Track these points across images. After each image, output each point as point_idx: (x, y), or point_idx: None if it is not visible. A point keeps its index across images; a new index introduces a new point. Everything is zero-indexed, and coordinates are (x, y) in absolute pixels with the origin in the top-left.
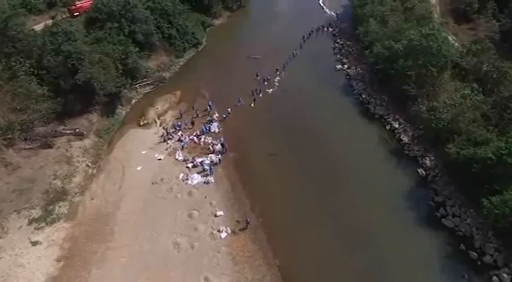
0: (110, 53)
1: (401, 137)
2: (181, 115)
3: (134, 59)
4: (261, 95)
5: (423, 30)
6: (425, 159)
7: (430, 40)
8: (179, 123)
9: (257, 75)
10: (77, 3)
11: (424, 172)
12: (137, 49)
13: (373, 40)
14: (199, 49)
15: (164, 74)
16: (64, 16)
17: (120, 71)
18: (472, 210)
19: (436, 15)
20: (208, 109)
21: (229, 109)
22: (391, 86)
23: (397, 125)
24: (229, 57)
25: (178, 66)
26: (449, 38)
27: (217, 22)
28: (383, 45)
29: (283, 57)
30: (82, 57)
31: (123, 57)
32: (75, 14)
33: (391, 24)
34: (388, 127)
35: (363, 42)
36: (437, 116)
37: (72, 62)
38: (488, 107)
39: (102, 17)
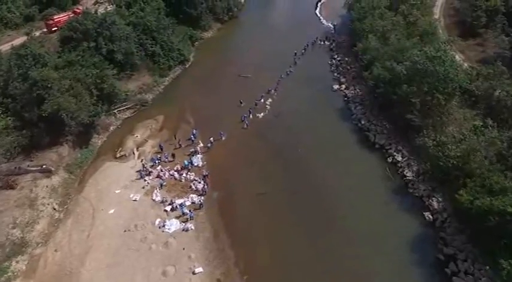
0: (82, 78)
1: (404, 172)
2: (161, 149)
3: (111, 83)
4: (251, 116)
5: (428, 52)
6: (432, 201)
7: (436, 63)
8: (158, 156)
9: (241, 103)
10: (55, 17)
11: (431, 216)
12: (115, 71)
13: (373, 59)
14: (186, 66)
15: (147, 96)
16: (38, 34)
17: (95, 98)
18: (487, 268)
19: (440, 31)
20: (192, 138)
21: (212, 138)
22: (392, 111)
23: (400, 158)
24: (218, 76)
25: (162, 87)
26: (457, 56)
27: (207, 35)
28: (384, 66)
29: (276, 74)
30: (49, 85)
31: (98, 81)
32: (52, 29)
33: (392, 41)
34: (389, 159)
35: (362, 60)
36: (445, 153)
37: (38, 91)
38: (503, 144)
39: (77, 35)
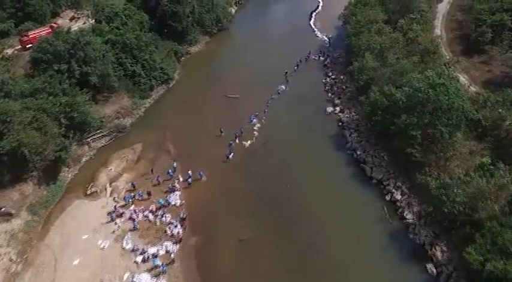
0: (49, 108)
1: (404, 214)
2: (134, 187)
3: (83, 110)
4: (237, 141)
5: (430, 77)
6: (436, 250)
7: (439, 92)
8: (132, 194)
9: (221, 131)
10: (30, 33)
11: (434, 270)
12: (87, 97)
13: (370, 80)
14: (170, 85)
15: (125, 121)
16: (11, 52)
17: (64, 129)
18: None
19: (443, 48)
20: (171, 173)
21: (190, 172)
22: (391, 142)
23: (399, 196)
24: (204, 96)
25: (143, 110)
26: (461, 77)
27: (194, 49)
28: (381, 91)
29: (266, 93)
30: (8, 119)
31: (67, 110)
32: (27, 46)
33: (390, 61)
34: (388, 197)
35: (358, 81)
36: (450, 198)
37: None
38: None
39: (47, 58)
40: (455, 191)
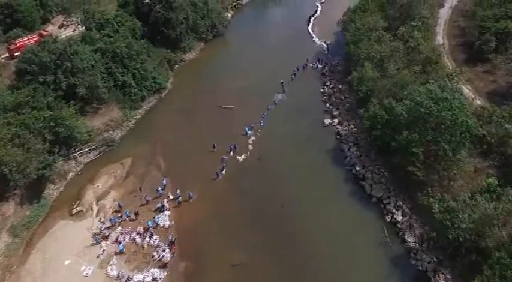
0: (31, 124)
1: (405, 237)
2: (120, 208)
3: (68, 125)
4: (232, 153)
5: (433, 91)
6: (439, 278)
7: (442, 107)
8: (119, 215)
9: (214, 147)
10: (18, 41)
11: None
12: (73, 111)
13: (369, 91)
14: (163, 95)
15: (114, 134)
16: None
17: (48, 145)
18: None
19: (445, 57)
20: (160, 190)
21: (178, 190)
22: (391, 158)
23: (400, 216)
24: (198, 106)
25: (133, 121)
26: (464, 89)
27: (188, 57)
28: (381, 104)
29: (262, 104)
30: None
31: (52, 124)
32: (15, 54)
33: (391, 72)
34: (388, 218)
35: (357, 92)
36: (455, 224)
37: None
38: None
39: (32, 69)
40: (460, 216)
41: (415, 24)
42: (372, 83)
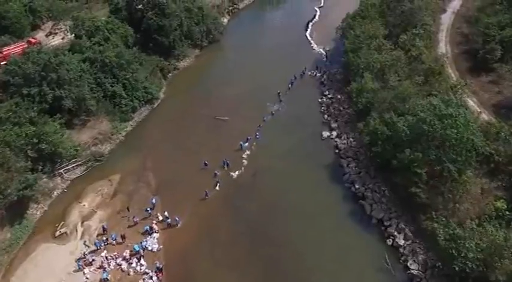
0: (12, 141)
1: (408, 263)
2: (105, 230)
3: (53, 141)
4: (226, 167)
5: (437, 107)
6: None
7: (447, 125)
8: (105, 238)
9: (205, 165)
10: (5, 49)
11: None
12: (58, 126)
13: (369, 104)
14: (155, 106)
15: (103, 148)
16: None
17: (31, 162)
18: None
19: (449, 68)
20: (149, 210)
21: (166, 213)
22: (392, 175)
23: (402, 240)
24: (191, 118)
25: (123, 134)
26: (469, 101)
27: (182, 64)
28: (382, 118)
29: (258, 115)
30: None
31: (35, 141)
32: (1, 63)
33: (392, 83)
34: (389, 241)
35: (356, 104)
36: (462, 253)
37: None
38: None
39: (16, 81)
40: (467, 245)
41: (417, 32)
42: (371, 94)
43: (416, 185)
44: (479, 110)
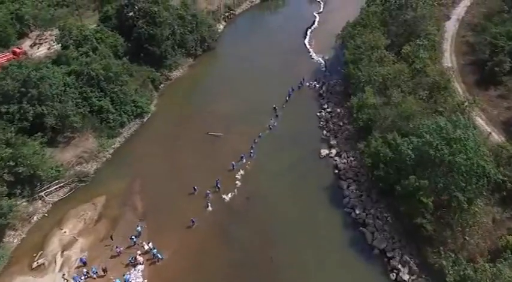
0: None
1: None
2: (84, 264)
3: (31, 163)
4: (219, 186)
5: (444, 129)
6: None
7: (455, 150)
8: (85, 270)
9: (194, 190)
10: None
11: None
12: (37, 147)
13: (371, 121)
14: (145, 120)
15: (88, 167)
16: None
17: (6, 188)
18: None
19: (456, 83)
20: (134, 239)
21: (151, 244)
22: (396, 201)
23: (406, 275)
24: (182, 133)
25: (111, 151)
26: (478, 119)
27: (174, 75)
28: (384, 139)
29: (253, 130)
30: None
31: (12, 164)
32: None
33: (395, 99)
34: (393, 275)
35: (357, 120)
36: None
37: None
38: None
39: None
40: None
41: (421, 42)
42: (373, 110)
43: (422, 216)
44: (489, 130)
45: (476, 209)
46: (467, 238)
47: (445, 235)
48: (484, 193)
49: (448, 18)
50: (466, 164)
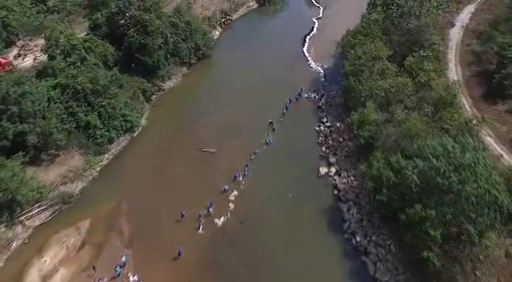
0: None
1: None
2: None
3: (8, 188)
4: (211, 210)
5: (451, 153)
6: None
7: (465, 178)
8: None
9: (182, 216)
10: None
11: None
12: (17, 167)
13: (372, 139)
14: (135, 135)
15: (73, 188)
16: None
17: None
18: None
19: (463, 98)
20: (118, 269)
21: (136, 277)
22: (400, 230)
23: None
24: (174, 149)
25: (98, 169)
26: (487, 138)
27: (167, 85)
28: (387, 160)
29: (248, 146)
30: None
31: None
32: None
33: (397, 117)
34: None
35: (358, 138)
36: None
37: None
38: None
39: None
40: None
41: (425, 54)
42: (375, 127)
43: (429, 248)
44: (498, 149)
45: (488, 242)
46: (478, 274)
47: (454, 271)
48: (497, 226)
49: (452, 25)
50: (476, 193)
